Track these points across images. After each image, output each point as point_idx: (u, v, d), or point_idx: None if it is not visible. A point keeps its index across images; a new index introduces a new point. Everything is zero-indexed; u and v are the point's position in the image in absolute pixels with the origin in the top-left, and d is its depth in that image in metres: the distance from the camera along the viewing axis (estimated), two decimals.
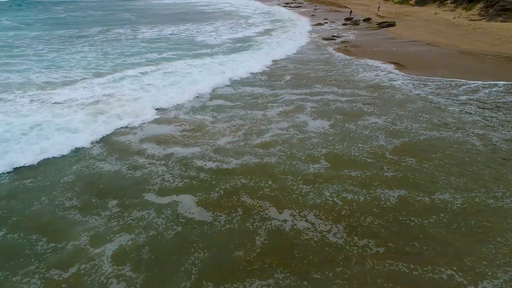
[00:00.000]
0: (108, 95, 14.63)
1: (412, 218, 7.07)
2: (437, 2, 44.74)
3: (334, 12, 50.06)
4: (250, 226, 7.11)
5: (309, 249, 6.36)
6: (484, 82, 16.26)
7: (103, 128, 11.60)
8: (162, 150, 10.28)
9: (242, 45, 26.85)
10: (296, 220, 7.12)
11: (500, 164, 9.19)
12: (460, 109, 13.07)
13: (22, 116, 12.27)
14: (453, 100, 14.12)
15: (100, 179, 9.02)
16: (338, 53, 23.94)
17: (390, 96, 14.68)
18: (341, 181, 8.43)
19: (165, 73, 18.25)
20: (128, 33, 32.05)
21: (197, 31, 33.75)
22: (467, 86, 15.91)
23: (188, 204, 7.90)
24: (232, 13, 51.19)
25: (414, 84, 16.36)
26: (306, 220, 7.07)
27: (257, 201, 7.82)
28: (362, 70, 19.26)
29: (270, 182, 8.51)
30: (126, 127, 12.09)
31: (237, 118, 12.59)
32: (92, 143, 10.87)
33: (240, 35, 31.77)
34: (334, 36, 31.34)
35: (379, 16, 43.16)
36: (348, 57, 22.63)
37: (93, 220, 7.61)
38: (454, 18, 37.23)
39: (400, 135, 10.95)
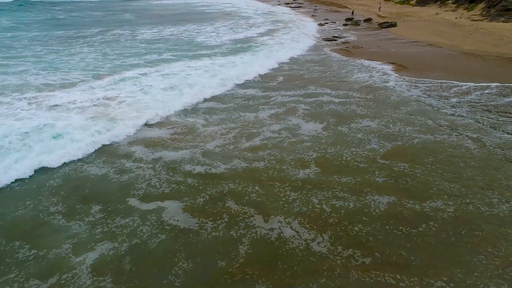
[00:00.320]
0: (106, 99, 14.21)
1: (400, 227, 6.85)
2: (438, 2, 44.33)
3: (334, 13, 49.74)
4: (235, 234, 6.93)
5: (292, 259, 6.16)
6: (476, 84, 15.97)
7: (97, 139, 10.95)
8: (151, 154, 10.12)
9: (242, 45, 26.57)
10: (281, 228, 6.93)
11: (495, 169, 8.95)
12: (454, 112, 12.81)
13: (19, 120, 12.00)
14: (448, 102, 13.86)
15: (86, 183, 8.88)
16: (339, 54, 23.57)
17: (385, 98, 14.45)
18: (330, 187, 8.22)
19: (163, 75, 17.90)
20: (127, 34, 31.93)
21: (197, 32, 33.56)
22: (465, 87, 15.64)
23: (173, 210, 7.73)
24: (233, 13, 51.01)
25: (410, 86, 16.11)
26: (292, 228, 6.88)
27: (243, 207, 7.63)
28: (365, 71, 18.96)
29: (257, 188, 8.32)
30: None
31: (229, 121, 12.41)
32: (88, 153, 10.40)
33: (241, 36, 31.46)
34: (335, 36, 31.05)
35: (380, 16, 42.83)
36: (350, 58, 22.24)
37: (76, 226, 7.46)
38: (456, 18, 36.86)
39: (393, 138, 10.73)
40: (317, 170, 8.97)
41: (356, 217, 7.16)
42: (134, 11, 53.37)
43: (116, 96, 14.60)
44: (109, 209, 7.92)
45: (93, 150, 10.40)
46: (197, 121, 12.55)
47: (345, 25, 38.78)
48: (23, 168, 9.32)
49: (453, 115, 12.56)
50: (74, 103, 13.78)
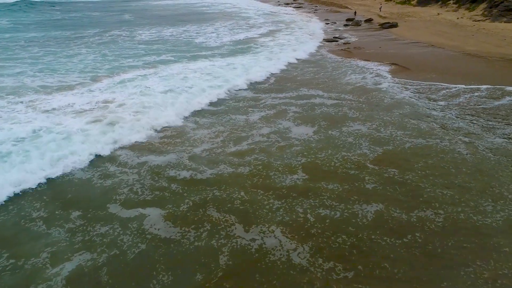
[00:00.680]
0: (103, 104, 13.74)
1: (386, 238, 6.61)
2: (439, 2, 43.87)
3: (335, 13, 49.38)
4: (215, 244, 6.71)
5: (272, 272, 5.93)
6: (466, 86, 15.66)
7: (93, 149, 10.29)
8: (136, 158, 9.92)
9: (242, 46, 26.25)
10: (262, 238, 6.70)
11: (488, 176, 8.67)
12: (447, 115, 12.52)
13: (15, 124, 11.71)
14: (445, 105, 13.57)
15: (69, 188, 8.72)
16: (340, 56, 23.20)
17: (385, 100, 14.19)
18: (317, 195, 7.97)
19: (162, 77, 17.56)
20: (126, 35, 31.77)
21: (196, 33, 33.34)
22: (463, 90, 15.33)
23: (154, 218, 7.52)
24: (233, 13, 50.80)
25: (408, 89, 15.81)
26: (273, 239, 6.64)
27: (225, 215, 7.42)
28: (367, 72, 18.64)
29: (242, 194, 8.10)
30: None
31: (219, 125, 12.19)
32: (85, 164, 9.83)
33: (241, 36, 31.12)
34: (336, 37, 30.75)
35: (380, 16, 42.47)
36: (351, 59, 21.89)
37: (56, 234, 7.29)
38: (458, 18, 36.46)
39: (384, 142, 10.46)
40: (304, 176, 8.73)
41: (341, 227, 6.92)
42: (133, 11, 53.23)
43: (114, 100, 14.12)
44: (89, 215, 7.74)
45: (88, 161, 9.92)
46: (187, 124, 12.35)
47: (345, 25, 38.47)
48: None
49: (444, 118, 12.30)
50: (71, 107, 13.41)
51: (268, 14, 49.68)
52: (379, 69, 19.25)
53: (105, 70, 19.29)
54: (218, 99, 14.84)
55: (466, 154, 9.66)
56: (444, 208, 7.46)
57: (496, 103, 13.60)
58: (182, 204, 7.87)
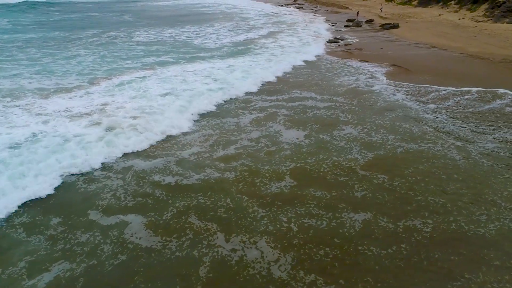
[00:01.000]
0: (101, 108, 13.34)
1: (371, 248, 6.37)
2: (440, 3, 43.49)
3: (335, 13, 49.07)
4: (197, 254, 6.50)
5: (250, 285, 5.72)
6: (457, 89, 15.37)
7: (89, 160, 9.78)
8: (122, 162, 9.74)
9: (242, 48, 26.01)
10: (243, 249, 6.47)
11: (480, 183, 8.41)
12: (440, 119, 12.26)
13: (10, 128, 11.44)
14: (435, 109, 13.28)
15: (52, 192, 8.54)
16: (341, 57, 22.87)
17: (378, 102, 13.96)
18: (303, 204, 7.72)
19: (161, 79, 17.28)
20: (125, 36, 31.65)
21: (196, 34, 33.18)
22: (459, 92, 15.06)
23: (136, 226, 7.33)
24: (233, 14, 50.63)
25: (405, 92, 15.56)
26: (254, 250, 6.42)
27: (207, 223, 7.21)
28: (367, 74, 18.40)
29: (227, 202, 7.88)
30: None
31: (208, 128, 11.99)
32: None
33: (242, 37, 30.93)
34: (337, 38, 30.51)
35: (381, 17, 42.17)
36: (352, 61, 21.54)
37: (36, 241, 7.12)
38: (459, 19, 36.12)
39: (376, 147, 10.22)
40: (292, 183, 8.50)
41: (325, 238, 6.65)
42: (132, 12, 53.10)
43: (111, 104, 13.82)
44: (70, 222, 7.56)
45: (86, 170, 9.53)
46: (182, 128, 12.10)
47: (346, 26, 38.24)
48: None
49: (435, 121, 12.05)
50: (69, 111, 13.12)
51: (269, 15, 49.44)
52: (381, 71, 18.97)
53: (104, 72, 19.09)
54: (214, 104, 14.47)
55: (459, 160, 9.40)
56: (433, 217, 7.21)
57: (486, 106, 13.33)
58: (165, 212, 7.67)
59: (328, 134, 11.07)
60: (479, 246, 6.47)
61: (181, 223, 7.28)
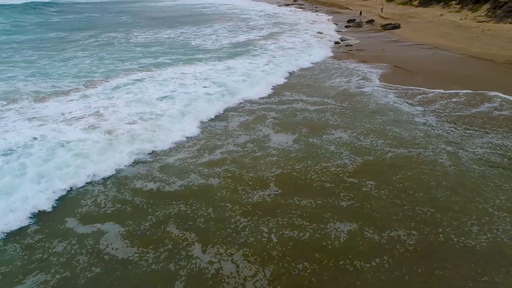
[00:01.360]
0: (96, 114, 12.81)
1: (355, 262, 6.10)
2: (442, 3, 42.98)
3: (336, 14, 48.66)
4: (173, 267, 6.26)
5: None
6: (444, 91, 15.03)
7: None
8: None
9: (242, 49, 25.67)
10: (220, 262, 6.22)
11: (470, 191, 8.10)
12: (430, 122, 11.97)
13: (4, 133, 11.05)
14: (424, 112, 12.96)
15: None
16: (342, 58, 22.56)
17: (364, 106, 13.67)
18: (286, 213, 7.44)
19: (158, 82, 16.89)
20: (123, 37, 31.48)
21: (195, 35, 32.97)
22: (456, 94, 14.72)
23: (113, 236, 7.09)
24: (233, 15, 50.41)
25: (403, 94, 15.25)
26: (229, 263, 6.17)
27: (186, 233, 6.97)
28: (367, 75, 18.06)
29: (208, 211, 7.63)
30: None
31: (197, 132, 11.79)
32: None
33: (242, 38, 30.60)
34: (339, 39, 30.24)
35: (382, 17, 41.78)
36: (353, 62, 21.18)
37: (12, 250, 6.94)
38: (461, 19, 35.65)
39: (365, 152, 9.94)
40: (276, 191, 8.22)
41: (306, 252, 6.37)
42: (131, 12, 52.82)
43: (108, 108, 13.32)
44: (48, 230, 7.37)
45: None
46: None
47: (347, 26, 37.88)
48: None
49: (426, 124, 11.78)
50: (65, 115, 12.73)
51: (270, 15, 49.14)
52: (382, 72, 18.65)
53: (101, 74, 18.77)
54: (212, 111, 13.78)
55: (449, 166, 9.10)
56: (419, 228, 6.93)
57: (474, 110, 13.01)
58: (143, 221, 7.44)
59: (318, 138, 10.80)
60: (465, 260, 6.18)
61: (159, 233, 7.05)
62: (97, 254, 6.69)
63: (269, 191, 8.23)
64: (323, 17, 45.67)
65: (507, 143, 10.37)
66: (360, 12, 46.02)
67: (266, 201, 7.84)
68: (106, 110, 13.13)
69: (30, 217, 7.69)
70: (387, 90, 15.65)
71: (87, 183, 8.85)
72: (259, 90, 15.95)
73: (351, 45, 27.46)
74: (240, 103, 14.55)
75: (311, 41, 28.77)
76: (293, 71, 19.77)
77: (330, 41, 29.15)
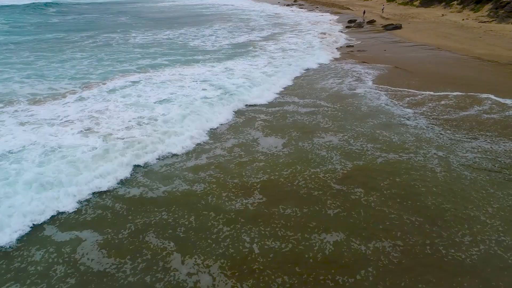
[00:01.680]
0: (94, 115, 12.66)
1: (338, 277, 5.85)
2: (443, 3, 42.53)
3: (336, 14, 48.29)
4: (149, 280, 6.05)
5: None
6: (433, 93, 14.70)
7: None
8: None
9: (241, 50, 25.47)
10: (198, 274, 6.00)
11: (462, 198, 7.82)
12: (421, 125, 11.69)
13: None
14: (415, 114, 12.67)
15: None
16: (342, 59, 22.22)
17: (354, 110, 13.40)
18: (269, 222, 7.19)
19: (156, 85, 16.62)
20: (122, 38, 31.33)
21: (194, 35, 32.78)
22: (452, 96, 14.41)
23: (89, 245, 6.85)
24: (233, 15, 50.17)
25: (402, 97, 14.95)
26: (207, 275, 5.94)
27: (165, 242, 6.76)
28: (367, 77, 17.80)
29: (190, 219, 7.42)
30: None
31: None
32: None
33: (242, 39, 30.32)
34: (338, 39, 29.95)
35: (383, 18, 41.40)
36: (354, 64, 20.92)
37: None
38: (463, 20, 35.24)
39: (355, 157, 9.69)
40: (260, 199, 7.96)
41: (286, 266, 6.12)
42: (130, 13, 52.67)
43: (105, 112, 13.12)
44: (26, 238, 7.19)
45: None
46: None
47: (347, 27, 37.54)
48: None
49: (417, 128, 11.51)
50: (59, 119, 12.52)
51: (271, 16, 48.86)
52: (383, 73, 18.38)
53: (98, 75, 18.60)
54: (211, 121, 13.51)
55: (439, 172, 8.81)
56: (406, 238, 6.66)
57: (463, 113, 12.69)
58: (122, 229, 7.22)
59: (309, 142, 10.55)
60: (452, 274, 5.91)
61: (139, 243, 6.83)
62: (73, 263, 6.49)
63: (252, 199, 7.98)
64: (326, 17, 45.34)
65: (496, 148, 10.08)
66: (364, 12, 45.63)
67: (248, 210, 7.60)
68: (101, 115, 12.77)
69: None
70: (380, 91, 15.36)
71: None
72: (256, 93, 15.67)
73: (353, 46, 27.14)
74: (238, 106, 14.30)
75: (313, 42, 28.45)
76: (295, 74, 19.43)
77: (335, 42, 28.79)
